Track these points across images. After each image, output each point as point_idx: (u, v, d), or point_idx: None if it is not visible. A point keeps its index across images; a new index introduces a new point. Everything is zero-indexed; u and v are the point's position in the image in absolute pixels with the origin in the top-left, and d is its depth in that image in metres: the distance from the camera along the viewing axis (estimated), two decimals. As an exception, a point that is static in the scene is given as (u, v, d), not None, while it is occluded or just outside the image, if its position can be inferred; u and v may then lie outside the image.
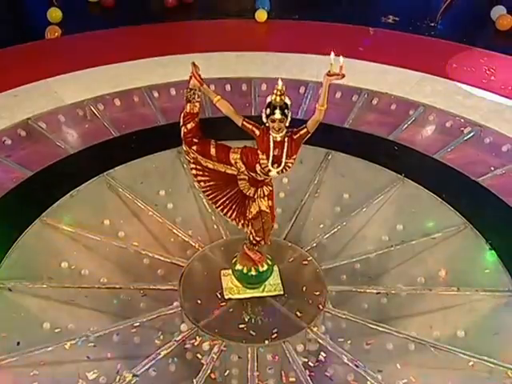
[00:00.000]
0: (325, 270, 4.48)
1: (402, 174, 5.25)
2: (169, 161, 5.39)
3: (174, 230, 4.76)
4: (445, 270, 4.60)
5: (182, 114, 3.67)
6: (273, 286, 4.28)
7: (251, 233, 4.03)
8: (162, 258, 4.53)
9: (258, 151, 3.57)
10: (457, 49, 7.34)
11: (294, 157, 3.59)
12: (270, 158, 3.54)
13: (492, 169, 5.38)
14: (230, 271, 4.30)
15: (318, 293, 4.26)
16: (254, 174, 3.69)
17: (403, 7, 8.46)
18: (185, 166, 5.32)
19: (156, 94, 6.35)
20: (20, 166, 5.31)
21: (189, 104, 3.62)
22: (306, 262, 4.51)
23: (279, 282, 4.30)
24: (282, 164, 3.56)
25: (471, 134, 5.84)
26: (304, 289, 4.29)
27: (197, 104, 3.63)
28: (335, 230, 4.86)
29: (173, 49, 6.97)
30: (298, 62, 6.92)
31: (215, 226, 4.82)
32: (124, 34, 7.42)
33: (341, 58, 3.25)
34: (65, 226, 4.71)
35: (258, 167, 3.62)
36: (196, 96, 3.60)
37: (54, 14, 7.53)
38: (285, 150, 3.52)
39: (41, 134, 5.73)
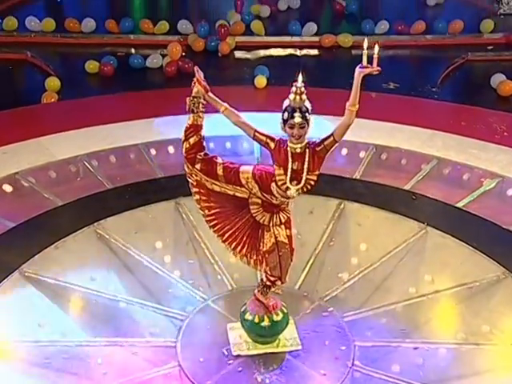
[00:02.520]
0: (348, 322, 3.68)
1: (425, 223, 4.57)
2: (167, 212, 4.73)
3: (172, 281, 3.99)
4: (488, 324, 3.79)
5: (185, 128, 3.04)
6: (289, 340, 3.50)
7: (265, 271, 3.27)
8: (157, 311, 3.73)
9: (274, 166, 2.92)
10: (463, 109, 6.95)
11: (317, 172, 2.96)
12: (289, 173, 2.89)
13: (522, 217, 4.74)
14: (237, 324, 3.51)
15: (343, 347, 3.46)
16: (268, 196, 3.03)
17: (403, 74, 8.16)
18: (184, 216, 4.66)
19: (153, 152, 5.76)
20: (3, 218, 4.64)
21: (192, 115, 3.01)
22: (325, 314, 3.73)
23: (296, 335, 3.53)
24: (303, 181, 2.92)
25: (492, 184, 5.26)
26: (327, 343, 3.47)
27: (201, 115, 3.03)
28: (355, 280, 4.13)
29: (172, 111, 6.48)
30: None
31: (219, 277, 4.07)
32: (122, 98, 6.98)
33: (376, 48, 2.66)
34: (46, 279, 3.93)
35: (273, 186, 2.96)
36: (200, 105, 3.01)
37: (52, 83, 7.13)
38: (306, 164, 2.89)
39: (28, 188, 5.10)
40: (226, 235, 3.23)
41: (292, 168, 2.90)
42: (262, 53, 8.70)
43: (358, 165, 5.58)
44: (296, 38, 9.04)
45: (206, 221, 3.24)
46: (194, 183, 3.14)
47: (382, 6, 10.55)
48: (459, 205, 4.97)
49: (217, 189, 3.10)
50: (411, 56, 9.03)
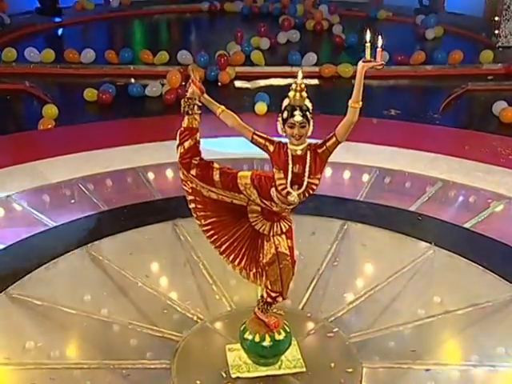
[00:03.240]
0: (355, 343, 3.45)
1: (432, 242, 4.38)
2: (163, 233, 4.55)
3: (168, 302, 3.77)
4: (503, 346, 3.55)
5: (179, 131, 2.89)
6: (292, 361, 3.27)
7: (265, 286, 3.06)
8: (152, 333, 3.50)
9: (274, 169, 2.75)
10: (466, 134, 6.85)
11: (319, 176, 2.79)
12: (289, 177, 2.72)
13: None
14: (237, 345, 3.28)
15: (350, 370, 3.22)
16: (268, 203, 2.85)
17: (403, 102, 8.09)
18: (181, 237, 4.47)
19: (152, 175, 5.60)
20: (-8, 241, 4.42)
21: (187, 117, 2.87)
22: (331, 335, 3.50)
23: (300, 356, 3.30)
24: (304, 184, 2.75)
25: (500, 206, 5.11)
26: (332, 365, 3.23)
27: (196, 117, 2.89)
28: (361, 300, 3.90)
29: (170, 135, 6.35)
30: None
31: (217, 297, 3.85)
32: (120, 124, 6.87)
33: (379, 40, 2.53)
34: (35, 300, 3.71)
35: (273, 191, 2.79)
36: (195, 107, 2.86)
37: (50, 110, 7.03)
38: (307, 166, 2.73)
39: (20, 211, 4.92)
40: (224, 246, 3.04)
41: (293, 171, 2.74)
42: (262, 82, 8.65)
43: (361, 187, 5.43)
44: (296, 68, 8.98)
45: (203, 231, 3.05)
46: (190, 190, 2.97)
47: (380, 28, 10.55)
48: (466, 225, 4.80)
49: (214, 196, 2.93)
50: (411, 86, 8.99)
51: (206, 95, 2.89)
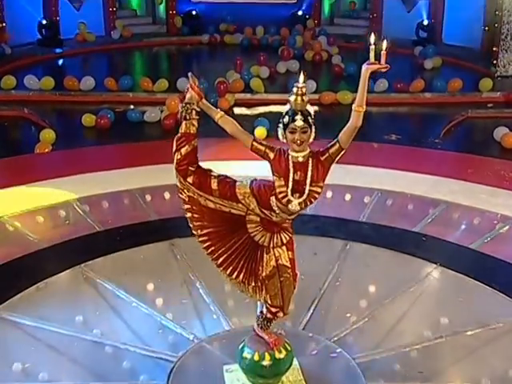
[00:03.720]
0: (360, 364, 3.26)
1: (438, 263, 4.24)
2: (160, 252, 4.41)
3: (163, 322, 3.60)
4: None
5: (176, 137, 2.78)
6: (293, 382, 3.06)
7: (265, 301, 2.91)
8: (146, 353, 3.31)
9: (274, 177, 2.63)
10: (468, 158, 6.75)
11: (321, 184, 2.66)
12: (290, 184, 2.59)
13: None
14: (235, 366, 3.10)
15: (355, 391, 3.01)
16: (268, 212, 2.72)
17: (404, 128, 8.03)
18: (178, 257, 4.33)
19: (149, 197, 5.46)
20: (-19, 262, 4.26)
21: (185, 122, 2.77)
22: (334, 355, 3.31)
23: (301, 377, 3.12)
24: (306, 192, 2.61)
25: (506, 227, 4.94)
26: (336, 386, 3.05)
27: (194, 122, 2.78)
28: (365, 320, 3.72)
29: (169, 159, 6.26)
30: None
31: (215, 316, 3.67)
32: (117, 149, 6.79)
33: (384, 43, 2.44)
34: (24, 321, 3.54)
35: (273, 200, 2.67)
36: (193, 112, 2.76)
37: (47, 135, 6.97)
38: (309, 174, 2.60)
39: (13, 233, 4.76)
40: (222, 259, 2.89)
41: (294, 178, 2.62)
42: (262, 109, 8.62)
43: (363, 209, 5.29)
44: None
45: (200, 242, 2.91)
46: (186, 199, 2.84)
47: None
48: (472, 246, 4.66)
49: (211, 205, 2.80)
50: (411, 113, 8.97)
51: (204, 100, 2.80)
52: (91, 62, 11.00)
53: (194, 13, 12.61)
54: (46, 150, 6.62)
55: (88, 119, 7.55)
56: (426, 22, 12.80)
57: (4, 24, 11.40)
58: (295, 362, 3.15)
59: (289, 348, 3.04)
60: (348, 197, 5.62)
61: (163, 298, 4.03)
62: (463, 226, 5.12)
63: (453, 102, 9.24)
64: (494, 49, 10.60)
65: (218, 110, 2.84)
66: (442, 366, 3.43)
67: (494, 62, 10.56)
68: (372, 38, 2.48)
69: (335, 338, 3.50)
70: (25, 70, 9.48)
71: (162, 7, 14.43)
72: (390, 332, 3.74)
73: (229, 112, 8.64)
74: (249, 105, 8.71)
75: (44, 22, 12.33)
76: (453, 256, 4.46)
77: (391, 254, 4.45)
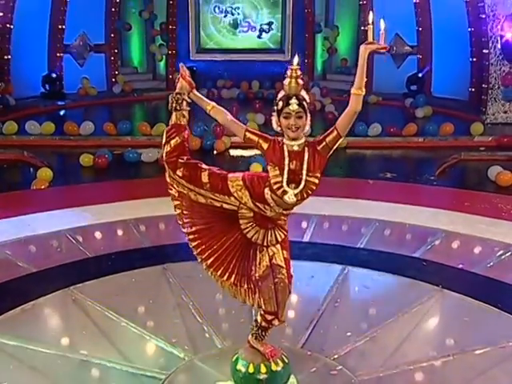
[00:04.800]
0: (362, 382, 2.95)
1: (440, 285, 3.98)
2: (152, 276, 4.15)
3: (154, 341, 3.29)
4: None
5: (166, 129, 2.60)
6: (291, 399, 2.73)
7: (259, 306, 2.64)
8: (133, 371, 3.00)
9: (268, 167, 2.43)
10: (465, 193, 6.57)
11: (318, 174, 2.45)
12: (285, 173, 2.39)
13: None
14: (228, 383, 2.78)
15: (358, 408, 2.70)
16: (261, 206, 2.51)
17: (398, 168, 7.88)
18: (171, 280, 4.06)
19: (143, 227, 5.24)
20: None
21: (175, 113, 2.59)
22: (334, 373, 3.00)
23: (300, 394, 2.76)
24: (302, 183, 2.39)
25: (508, 253, 4.70)
26: (338, 403, 2.73)
27: (185, 113, 2.60)
28: (366, 339, 3.42)
29: (164, 192, 6.06)
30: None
31: (207, 335, 3.37)
32: (113, 185, 6.61)
33: (382, 23, 2.30)
34: (6, 341, 3.24)
35: (267, 192, 2.45)
36: (184, 103, 2.59)
37: (44, 173, 6.80)
38: (305, 163, 2.39)
39: (3, 260, 4.48)
40: (212, 258, 2.64)
41: (289, 168, 2.42)
42: (257, 151, 8.45)
43: (360, 238, 5.06)
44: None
45: (189, 240, 2.67)
46: (176, 195, 2.64)
47: (373, 115, 10.58)
48: (474, 271, 4.40)
49: (202, 200, 2.59)
50: (405, 155, 8.84)
51: (195, 91, 2.63)
52: (92, 112, 10.95)
53: (193, 69, 12.69)
54: (43, 187, 6.43)
55: (86, 159, 7.40)
56: (415, 76, 12.92)
57: (9, 77, 11.44)
58: (293, 379, 2.85)
59: (286, 360, 2.76)
60: (346, 227, 5.42)
61: (154, 319, 3.72)
62: (464, 253, 4.88)
63: (445, 145, 9.14)
64: (483, 97, 10.63)
65: (209, 101, 2.66)
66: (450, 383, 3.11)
67: (483, 109, 10.56)
68: (370, 17, 2.34)
69: (335, 356, 3.20)
70: (27, 119, 9.40)
71: (162, 64, 14.62)
72: (393, 352, 3.41)
73: (225, 153, 8.55)
74: (244, 147, 8.58)
75: (48, 76, 12.41)
76: (455, 279, 4.23)
77: (391, 278, 4.21)
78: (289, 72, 2.41)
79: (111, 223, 5.23)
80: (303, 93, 2.43)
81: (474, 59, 11.18)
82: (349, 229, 5.35)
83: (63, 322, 3.61)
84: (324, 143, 2.45)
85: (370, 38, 2.35)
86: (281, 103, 2.40)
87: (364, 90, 2.40)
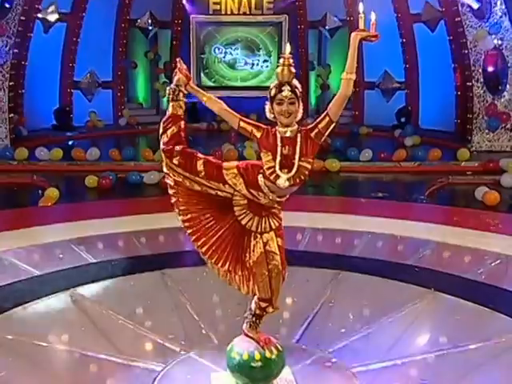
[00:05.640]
0: (358, 372, 2.79)
1: (432, 288, 3.85)
2: (150, 280, 4.03)
3: (150, 337, 3.15)
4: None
5: (163, 119, 2.54)
6: (286, 387, 2.58)
7: (253, 293, 2.52)
8: (130, 363, 2.84)
9: (262, 153, 2.35)
10: (454, 210, 6.53)
11: (311, 160, 2.37)
12: (278, 158, 2.31)
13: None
14: (223, 373, 2.64)
15: (352, 396, 2.55)
16: (255, 193, 2.43)
17: (389, 188, 7.80)
18: (169, 284, 3.94)
19: (144, 239, 5.13)
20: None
21: (172, 104, 2.53)
22: (329, 364, 2.85)
23: (294, 382, 2.61)
24: (295, 167, 2.32)
25: (497, 261, 4.59)
26: (333, 391, 2.58)
27: (182, 104, 2.54)
28: (361, 336, 3.29)
29: (165, 209, 5.97)
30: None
31: (204, 332, 3.23)
32: (117, 202, 6.51)
33: (372, 15, 2.26)
34: (7, 335, 3.10)
35: (261, 179, 2.36)
36: (181, 94, 2.53)
37: (51, 192, 6.70)
38: (297, 148, 2.32)
39: (8, 265, 4.38)
40: (207, 246, 2.54)
41: (282, 152, 2.35)
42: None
43: (354, 248, 4.95)
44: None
45: (185, 227, 2.57)
46: (172, 183, 2.56)
47: (364, 143, 10.58)
48: (465, 276, 4.27)
49: (197, 188, 2.51)
50: (395, 178, 8.74)
51: (191, 83, 2.58)
52: (98, 141, 10.92)
53: (194, 104, 12.76)
54: (49, 204, 6.34)
55: (91, 180, 7.34)
56: (404, 109, 12.99)
57: (22, 109, 11.48)
58: (288, 369, 2.71)
59: (280, 348, 2.61)
60: (338, 239, 5.31)
61: (152, 318, 3.60)
62: (454, 261, 4.76)
63: (433, 170, 9.08)
64: (468, 126, 10.65)
65: (205, 92, 2.60)
66: (444, 376, 2.95)
67: (469, 138, 10.57)
68: (361, 8, 2.30)
69: (330, 350, 3.06)
70: (38, 147, 9.36)
71: (165, 100, 14.70)
72: (387, 348, 3.27)
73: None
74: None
75: (59, 110, 12.48)
76: (447, 283, 4.09)
77: (384, 281, 4.07)
78: (281, 60, 2.37)
79: (113, 234, 5.13)
80: (295, 81, 2.38)
81: (459, 92, 11.26)
82: (342, 240, 5.24)
83: (63, 320, 3.45)
84: (317, 129, 2.39)
85: (361, 27, 2.31)
86: (274, 90, 2.35)
87: (355, 75, 2.34)
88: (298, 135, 2.38)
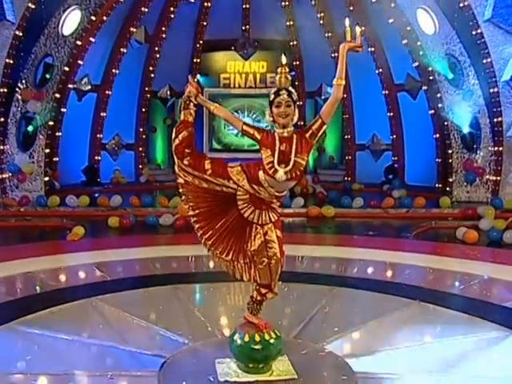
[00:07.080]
0: (349, 360, 2.75)
1: (417, 300, 3.84)
2: (164, 293, 4.03)
3: (160, 332, 3.12)
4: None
5: (176, 125, 2.67)
6: (283, 370, 2.55)
7: (254, 280, 2.54)
8: (139, 351, 2.81)
9: (262, 150, 2.46)
10: (437, 245, 6.55)
11: (305, 157, 2.47)
12: (276, 154, 2.41)
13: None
14: (227, 360, 2.62)
15: (345, 377, 2.50)
16: (256, 188, 2.49)
17: (378, 229, 7.83)
18: (180, 296, 3.92)
19: (158, 265, 5.13)
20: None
21: (183, 112, 2.66)
22: (323, 353, 2.81)
23: (291, 368, 2.59)
24: (291, 163, 2.41)
25: (476, 280, 4.62)
26: (325, 374, 2.54)
27: (192, 112, 2.68)
28: (353, 333, 3.25)
29: (179, 242, 6.01)
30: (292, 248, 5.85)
31: (210, 329, 3.19)
32: (137, 237, 6.57)
33: (357, 28, 2.43)
34: (33, 330, 3.10)
35: (261, 175, 2.45)
36: (191, 104, 2.67)
37: (78, 230, 6.75)
38: (293, 145, 2.43)
39: (36, 280, 4.37)
40: (213, 238, 2.60)
41: (280, 149, 2.45)
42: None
43: (345, 271, 4.95)
44: (287, 210, 8.85)
45: (193, 222, 2.64)
46: (183, 182, 2.64)
47: (356, 196, 10.68)
48: (448, 291, 4.25)
49: (204, 185, 2.60)
50: (384, 223, 8.76)
51: (200, 95, 2.72)
52: (121, 193, 11.09)
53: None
54: (76, 239, 6.39)
55: (113, 221, 7.43)
56: (391, 167, 13.19)
57: (57, 167, 11.74)
58: (285, 357, 2.67)
59: (278, 334, 2.59)
60: (333, 265, 5.29)
61: (163, 319, 3.56)
62: (437, 281, 4.72)
63: (418, 216, 9.11)
64: (449, 179, 10.77)
65: (212, 102, 2.73)
66: (434, 363, 2.88)
67: (450, 189, 10.66)
68: (347, 22, 2.47)
69: (324, 343, 3.00)
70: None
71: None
72: (377, 342, 3.22)
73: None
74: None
75: (87, 168, 12.76)
76: (431, 297, 4.04)
77: (375, 295, 4.04)
78: (279, 69, 2.51)
79: (130, 260, 5.15)
80: (291, 88, 2.52)
81: (439, 158, 11.53)
82: (336, 265, 5.23)
83: (82, 320, 3.44)
84: (311, 130, 2.51)
85: (348, 39, 2.46)
86: (273, 95, 2.49)
87: (344, 80, 2.46)
88: (294, 135, 2.49)
